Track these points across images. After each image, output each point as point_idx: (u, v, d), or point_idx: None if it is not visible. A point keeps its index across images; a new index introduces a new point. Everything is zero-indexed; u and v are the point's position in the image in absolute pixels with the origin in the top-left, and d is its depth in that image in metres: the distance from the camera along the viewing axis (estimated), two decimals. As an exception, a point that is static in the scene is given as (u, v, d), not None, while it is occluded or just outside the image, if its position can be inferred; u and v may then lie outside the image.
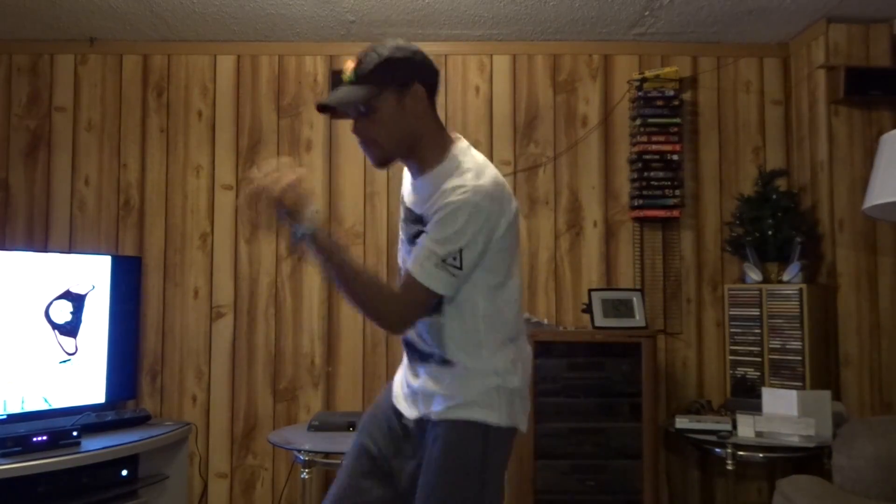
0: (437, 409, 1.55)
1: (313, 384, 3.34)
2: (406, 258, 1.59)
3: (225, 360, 3.35)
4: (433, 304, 1.50)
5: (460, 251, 1.45)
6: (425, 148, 1.56)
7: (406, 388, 1.65)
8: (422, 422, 1.59)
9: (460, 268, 1.46)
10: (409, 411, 1.63)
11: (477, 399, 1.53)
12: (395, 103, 1.51)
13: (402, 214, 1.66)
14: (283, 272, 3.38)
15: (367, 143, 1.55)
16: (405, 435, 1.64)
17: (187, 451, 3.18)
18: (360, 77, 1.50)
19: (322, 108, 1.55)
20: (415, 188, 1.61)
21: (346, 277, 1.48)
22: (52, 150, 3.41)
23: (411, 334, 1.62)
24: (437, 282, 1.46)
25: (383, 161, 1.58)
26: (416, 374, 1.63)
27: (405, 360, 1.70)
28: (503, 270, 1.56)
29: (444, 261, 1.44)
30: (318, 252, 1.48)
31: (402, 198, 1.68)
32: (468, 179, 1.48)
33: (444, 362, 1.56)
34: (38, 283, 2.87)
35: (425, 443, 1.56)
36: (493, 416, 1.53)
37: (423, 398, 1.59)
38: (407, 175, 1.67)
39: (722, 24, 3.24)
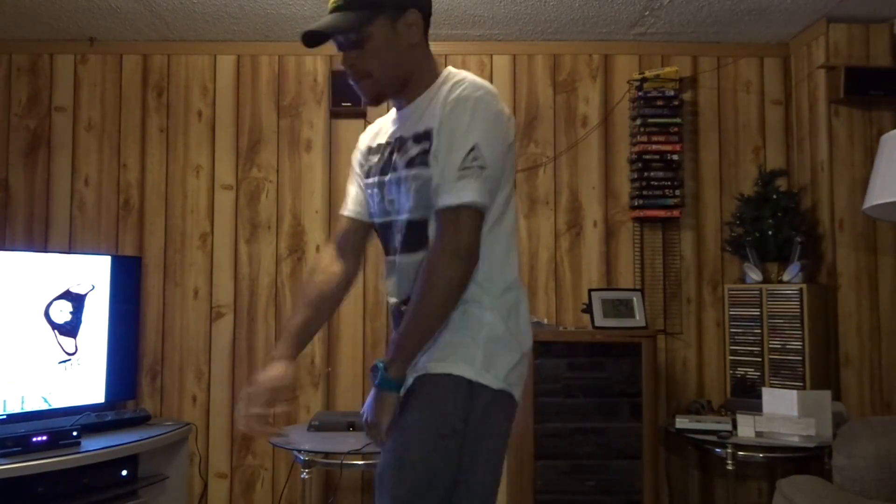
0: (421, 363, 1.38)
1: (313, 384, 3.34)
2: (398, 192, 1.43)
3: (225, 360, 3.35)
4: (480, 223, 1.32)
5: (473, 147, 1.29)
6: (418, 81, 1.44)
7: None
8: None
9: (484, 166, 1.29)
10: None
11: (462, 352, 1.35)
12: (390, 30, 1.38)
13: (373, 159, 1.52)
14: (283, 272, 3.38)
15: (360, 76, 1.42)
16: None
17: (187, 451, 3.18)
18: (349, 2, 1.36)
19: (309, 39, 1.39)
20: (402, 117, 1.48)
21: (428, 330, 1.34)
22: (52, 150, 3.41)
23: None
24: (470, 193, 1.28)
25: (377, 96, 1.45)
26: None
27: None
28: (504, 196, 1.41)
29: (463, 168, 1.29)
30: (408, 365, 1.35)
31: (377, 141, 1.54)
32: (466, 80, 1.38)
33: None
34: (38, 283, 2.87)
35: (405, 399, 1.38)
36: (471, 372, 1.34)
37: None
38: (384, 119, 1.57)
39: (722, 24, 3.24)
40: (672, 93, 3.31)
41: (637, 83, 3.35)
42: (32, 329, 2.85)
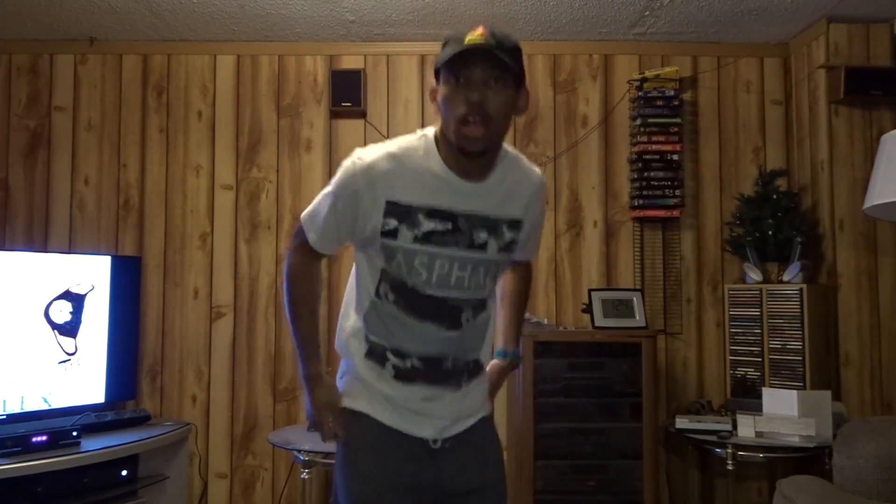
0: (483, 406, 1.62)
1: (313, 384, 3.34)
2: (480, 272, 1.45)
3: (225, 360, 3.35)
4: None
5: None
6: (495, 154, 1.43)
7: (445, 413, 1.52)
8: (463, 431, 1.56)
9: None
10: (450, 430, 1.52)
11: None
12: (516, 94, 1.38)
13: (435, 225, 1.39)
14: (283, 272, 3.37)
15: (484, 116, 1.31)
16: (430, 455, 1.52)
17: (187, 452, 3.18)
18: (505, 48, 1.31)
19: (466, 59, 1.30)
20: (483, 191, 1.42)
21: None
22: (52, 150, 3.41)
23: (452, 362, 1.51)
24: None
25: (486, 145, 1.35)
26: (456, 391, 1.52)
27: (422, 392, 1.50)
28: None
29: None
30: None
31: (430, 201, 1.39)
32: (535, 169, 1.57)
33: (479, 366, 1.61)
34: (37, 283, 2.87)
35: (475, 439, 1.56)
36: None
37: (470, 409, 1.57)
38: (427, 178, 1.40)
39: (722, 24, 3.24)
40: (672, 93, 3.31)
41: (637, 83, 3.35)
42: (32, 329, 2.85)
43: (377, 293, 1.48)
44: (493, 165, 1.42)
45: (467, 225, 1.40)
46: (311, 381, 1.62)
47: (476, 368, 1.57)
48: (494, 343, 1.67)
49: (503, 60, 1.30)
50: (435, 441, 1.50)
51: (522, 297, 1.77)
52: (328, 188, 1.47)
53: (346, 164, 1.43)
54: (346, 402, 1.55)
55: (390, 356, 1.49)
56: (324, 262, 1.65)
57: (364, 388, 1.53)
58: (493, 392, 1.68)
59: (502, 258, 1.48)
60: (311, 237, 1.53)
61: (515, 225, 1.47)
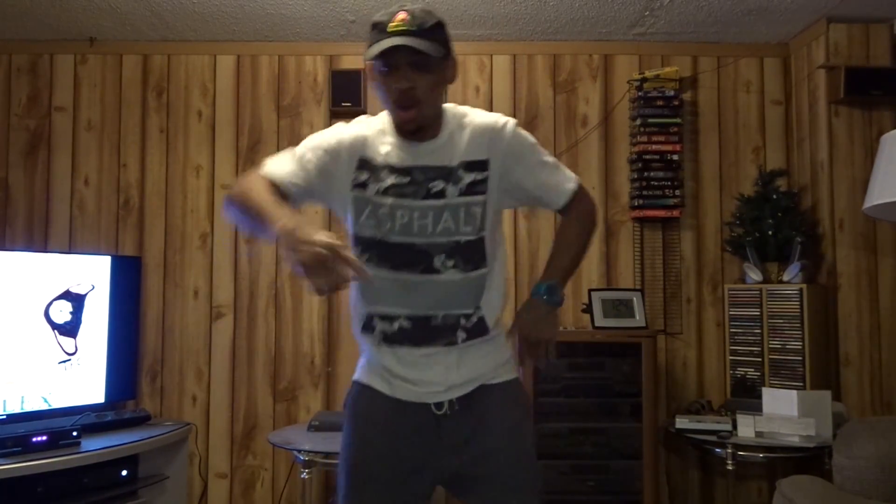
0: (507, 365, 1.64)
1: (313, 384, 3.34)
2: (448, 217, 1.51)
3: (225, 360, 3.35)
4: None
5: (548, 155, 1.63)
6: (438, 118, 1.55)
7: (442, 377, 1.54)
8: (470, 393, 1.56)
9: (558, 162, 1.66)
10: (451, 393, 1.54)
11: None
12: (445, 69, 1.50)
13: (394, 179, 1.51)
14: (283, 272, 3.38)
15: (411, 102, 1.45)
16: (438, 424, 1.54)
17: (187, 452, 3.18)
18: (423, 31, 1.42)
19: (389, 51, 1.41)
20: (425, 149, 1.53)
21: (579, 263, 1.70)
22: (52, 150, 3.41)
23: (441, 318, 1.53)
24: (573, 174, 1.66)
25: (419, 125, 1.49)
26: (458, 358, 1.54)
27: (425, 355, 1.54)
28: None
29: (558, 164, 1.65)
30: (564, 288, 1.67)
31: (385, 159, 1.54)
32: (493, 114, 1.60)
33: (480, 321, 1.56)
34: (37, 283, 2.87)
35: (484, 404, 1.55)
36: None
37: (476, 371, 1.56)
38: (383, 133, 1.56)
39: (722, 24, 3.24)
40: (672, 93, 3.31)
41: (637, 83, 3.35)
42: (32, 329, 2.85)
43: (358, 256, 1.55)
44: (438, 126, 1.55)
45: (423, 177, 1.52)
46: (280, 219, 1.35)
47: (477, 327, 1.54)
48: None
49: (425, 47, 1.41)
50: (438, 406, 1.53)
51: (567, 238, 1.67)
52: (302, 144, 1.62)
53: (325, 129, 1.64)
54: (354, 377, 1.64)
55: (377, 322, 1.55)
56: None
57: (367, 362, 1.61)
58: (513, 330, 1.63)
59: (470, 200, 1.52)
60: (267, 167, 1.61)
61: (477, 165, 1.54)
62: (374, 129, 1.59)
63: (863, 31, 3.16)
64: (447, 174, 1.52)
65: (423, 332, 1.52)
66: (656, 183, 3.32)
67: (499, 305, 1.60)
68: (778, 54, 3.45)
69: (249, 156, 3.42)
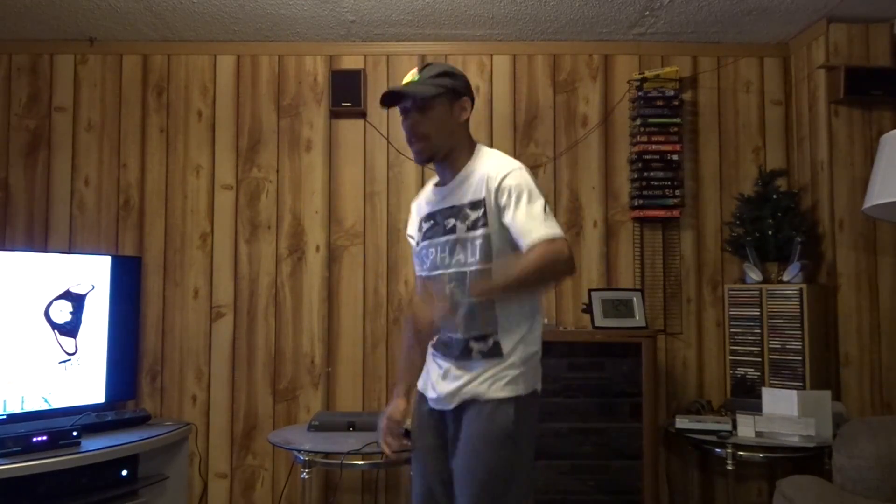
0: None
1: (313, 384, 3.34)
2: (460, 250, 1.77)
3: (225, 360, 3.35)
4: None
5: (545, 202, 1.71)
6: (459, 153, 1.82)
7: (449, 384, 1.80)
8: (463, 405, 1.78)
9: (554, 215, 1.72)
10: (447, 401, 1.80)
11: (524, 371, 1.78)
12: (448, 107, 1.79)
13: (426, 225, 1.87)
14: (283, 272, 3.38)
15: (418, 136, 1.78)
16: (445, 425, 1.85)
17: (187, 452, 3.18)
18: (424, 79, 1.78)
19: (387, 98, 1.78)
20: (449, 190, 1.82)
21: (522, 285, 1.69)
22: (52, 150, 3.41)
23: (451, 334, 1.80)
24: (556, 227, 1.67)
25: (427, 156, 1.80)
26: (463, 368, 1.78)
27: (439, 363, 1.85)
28: None
29: (545, 211, 1.68)
30: (494, 294, 1.72)
31: (424, 211, 1.90)
32: (505, 158, 1.79)
33: (496, 345, 1.75)
34: (38, 283, 2.87)
35: (469, 419, 1.75)
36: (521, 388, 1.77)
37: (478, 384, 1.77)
38: (426, 192, 1.93)
39: (722, 24, 3.24)
40: (672, 93, 3.31)
41: (637, 83, 3.35)
42: (32, 329, 2.85)
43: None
44: (456, 166, 1.82)
45: (441, 218, 1.84)
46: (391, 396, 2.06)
47: (491, 350, 1.75)
48: None
49: (421, 91, 1.75)
50: (437, 401, 1.82)
51: (519, 259, 1.69)
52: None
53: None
54: None
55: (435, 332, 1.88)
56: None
57: None
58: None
59: (473, 234, 1.75)
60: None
61: (477, 205, 1.76)
62: (424, 190, 1.96)
63: (863, 31, 3.16)
64: (457, 212, 1.79)
65: (446, 346, 1.82)
66: (656, 183, 3.32)
67: (518, 330, 1.76)
68: (778, 54, 3.45)
69: (249, 156, 3.42)
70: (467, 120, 1.84)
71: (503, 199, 1.71)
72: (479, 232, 1.74)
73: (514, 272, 1.66)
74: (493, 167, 1.76)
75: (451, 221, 1.79)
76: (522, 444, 1.73)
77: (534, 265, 1.64)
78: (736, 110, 3.45)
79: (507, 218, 1.70)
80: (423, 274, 1.88)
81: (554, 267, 1.65)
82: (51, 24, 3.24)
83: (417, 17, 3.17)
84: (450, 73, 1.81)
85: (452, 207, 1.80)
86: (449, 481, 1.77)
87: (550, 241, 1.64)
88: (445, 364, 1.81)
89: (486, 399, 1.72)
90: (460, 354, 1.78)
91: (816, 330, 3.00)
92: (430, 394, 1.85)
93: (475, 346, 1.76)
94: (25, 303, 2.83)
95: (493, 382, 1.73)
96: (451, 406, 1.78)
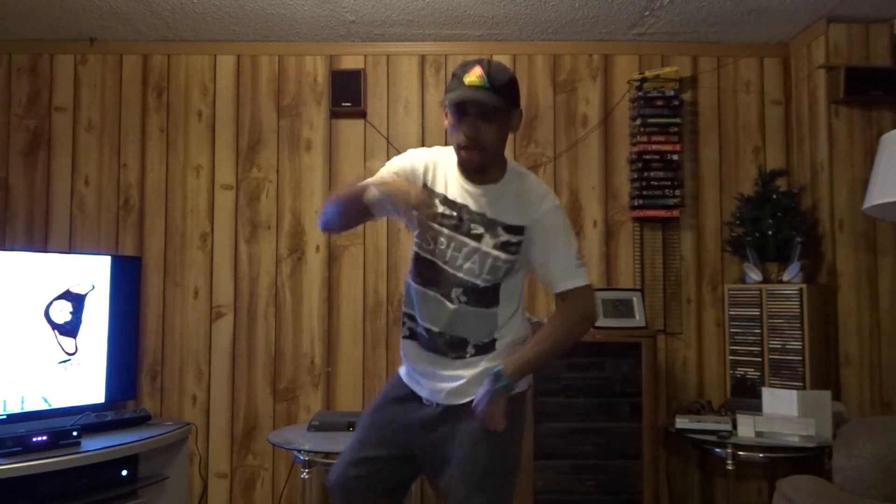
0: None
1: (313, 384, 3.34)
2: (471, 258, 1.74)
3: (225, 360, 3.35)
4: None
5: (578, 249, 1.76)
6: (499, 165, 1.77)
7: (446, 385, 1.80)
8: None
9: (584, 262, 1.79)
10: (443, 399, 1.80)
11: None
12: (508, 118, 1.72)
13: (443, 208, 1.75)
14: (283, 272, 3.38)
15: (479, 145, 1.68)
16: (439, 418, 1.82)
17: (187, 452, 3.18)
18: (496, 87, 1.64)
19: (459, 105, 1.66)
20: (484, 196, 1.75)
21: (549, 358, 1.77)
22: (52, 150, 3.41)
23: (444, 341, 1.79)
24: (587, 276, 1.75)
25: (481, 165, 1.72)
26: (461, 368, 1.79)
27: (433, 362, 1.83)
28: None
29: (579, 259, 1.75)
30: (527, 372, 1.76)
31: (444, 189, 1.77)
32: (543, 187, 1.80)
33: (492, 342, 1.79)
34: (38, 283, 2.87)
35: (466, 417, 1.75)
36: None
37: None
38: (448, 167, 1.79)
39: (722, 24, 3.24)
40: (672, 93, 3.31)
41: (637, 83, 3.35)
42: (32, 329, 2.85)
43: (410, 267, 1.85)
44: (494, 176, 1.76)
45: (468, 216, 1.75)
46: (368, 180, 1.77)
47: (486, 346, 1.78)
48: None
49: (494, 102, 1.64)
50: (429, 402, 1.82)
51: (545, 331, 1.77)
52: (381, 169, 1.78)
53: (402, 154, 1.84)
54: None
55: (407, 320, 1.86)
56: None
57: (403, 356, 1.91)
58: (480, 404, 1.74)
59: (501, 255, 1.73)
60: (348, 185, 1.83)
61: (514, 230, 1.74)
62: (440, 159, 1.81)
63: (863, 31, 3.16)
64: (489, 224, 1.74)
65: (434, 344, 1.79)
66: (656, 183, 3.32)
67: (515, 333, 1.81)
68: (778, 54, 3.45)
69: (249, 156, 3.42)
70: None
71: (539, 236, 1.73)
72: (505, 256, 1.73)
73: (547, 346, 1.74)
74: (535, 196, 1.76)
75: (480, 230, 1.74)
76: (517, 438, 1.81)
77: (563, 337, 1.74)
78: (736, 110, 3.45)
79: (540, 255, 1.73)
80: (419, 251, 1.80)
81: (580, 330, 1.76)
82: (51, 24, 3.24)
83: (417, 17, 3.17)
84: (515, 80, 1.72)
85: (483, 216, 1.74)
86: (401, 457, 1.82)
87: (582, 296, 1.73)
88: (445, 363, 1.80)
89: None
90: (460, 354, 1.79)
91: (816, 330, 3.00)
92: (422, 392, 1.84)
93: (474, 346, 1.79)
94: (25, 303, 2.83)
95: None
96: (460, 402, 1.77)
